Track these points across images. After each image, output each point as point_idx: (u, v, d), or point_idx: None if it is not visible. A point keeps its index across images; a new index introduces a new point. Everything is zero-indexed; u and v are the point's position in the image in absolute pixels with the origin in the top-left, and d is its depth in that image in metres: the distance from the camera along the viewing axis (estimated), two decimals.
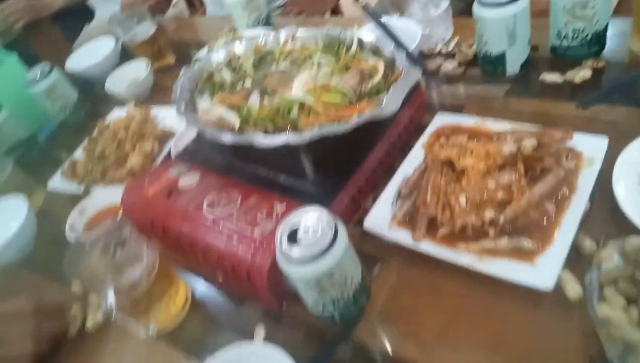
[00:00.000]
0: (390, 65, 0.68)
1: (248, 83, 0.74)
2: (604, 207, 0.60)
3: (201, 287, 0.72)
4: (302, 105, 0.65)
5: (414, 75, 0.63)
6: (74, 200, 0.91)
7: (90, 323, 0.71)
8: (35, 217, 0.90)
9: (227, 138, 0.64)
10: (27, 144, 1.07)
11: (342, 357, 0.58)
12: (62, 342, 0.70)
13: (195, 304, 0.70)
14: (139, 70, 1.15)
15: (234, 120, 0.69)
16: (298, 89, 0.67)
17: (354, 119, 0.59)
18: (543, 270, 0.54)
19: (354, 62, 0.70)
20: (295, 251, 0.51)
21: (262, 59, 0.79)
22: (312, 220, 0.52)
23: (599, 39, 0.75)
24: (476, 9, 0.75)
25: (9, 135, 1.03)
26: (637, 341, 0.44)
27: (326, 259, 0.50)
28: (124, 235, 0.64)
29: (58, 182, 0.98)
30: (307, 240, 0.51)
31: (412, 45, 0.81)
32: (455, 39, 0.93)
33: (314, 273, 0.50)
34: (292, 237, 0.52)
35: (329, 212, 0.53)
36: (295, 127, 0.64)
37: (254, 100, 0.70)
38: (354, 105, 0.64)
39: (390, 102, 0.60)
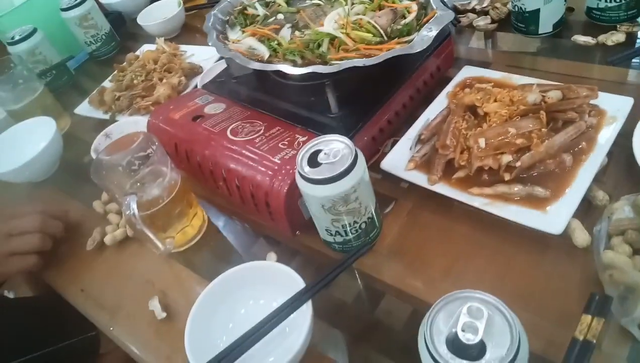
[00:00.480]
0: (423, 7, 0.68)
1: (280, 17, 0.75)
2: (621, 165, 0.60)
3: (218, 216, 0.75)
4: (332, 40, 0.66)
5: (447, 17, 0.63)
6: (99, 127, 0.93)
7: (108, 239, 0.74)
8: (62, 139, 0.93)
9: (256, 66, 0.65)
10: (57, 70, 1.09)
11: (349, 284, 0.60)
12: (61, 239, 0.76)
13: (211, 231, 0.73)
14: (170, 7, 1.16)
15: (264, 51, 0.70)
16: (330, 23, 0.68)
17: (383, 54, 0.60)
18: (553, 216, 0.55)
19: (388, 2, 0.70)
20: (315, 172, 0.52)
21: None
22: (334, 146, 0.54)
23: (638, 1, 0.74)
24: None
25: (43, 57, 1.05)
26: (637, 282, 0.45)
27: (344, 182, 0.51)
28: (149, 152, 0.66)
29: (85, 109, 1.01)
30: (327, 162, 0.52)
31: None
32: None
33: (331, 194, 0.52)
34: (313, 159, 0.54)
35: (350, 140, 0.54)
36: (323, 61, 0.65)
37: (285, 32, 0.71)
38: (384, 43, 0.64)
39: (420, 41, 0.60)
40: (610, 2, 0.74)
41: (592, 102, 0.63)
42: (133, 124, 0.89)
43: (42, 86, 0.97)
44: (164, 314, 0.63)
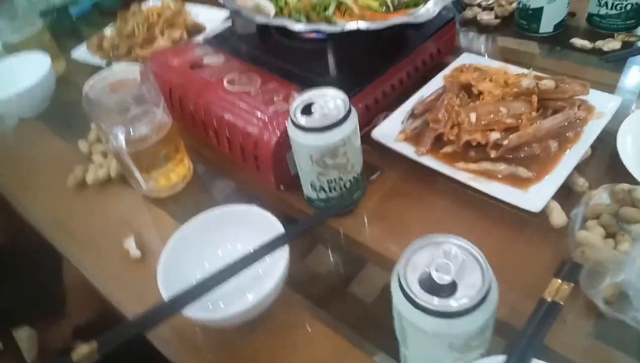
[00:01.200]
0: None
1: None
2: (603, 159, 0.62)
3: (203, 168, 0.74)
4: (339, 5, 0.67)
5: None
6: (94, 73, 0.92)
7: (90, 177, 0.74)
8: (55, 79, 0.92)
9: (261, 20, 0.66)
10: (59, 14, 1.08)
11: (329, 239, 0.61)
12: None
13: (195, 182, 0.73)
14: None
15: (270, 8, 0.70)
16: None
17: (387, 20, 0.61)
18: (534, 195, 0.56)
19: None
20: (307, 121, 0.53)
21: None
22: (328, 97, 0.55)
23: (637, 12, 0.76)
24: None
25: None
26: (607, 257, 0.46)
27: (334, 132, 0.52)
28: (142, 91, 0.66)
29: (82, 53, 1.00)
30: (320, 112, 0.53)
31: None
32: None
33: (321, 144, 0.52)
34: (307, 109, 0.54)
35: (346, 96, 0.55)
36: (328, 24, 0.66)
37: None
38: (390, 12, 0.65)
39: (425, 13, 0.61)
40: (611, 9, 0.77)
41: (582, 97, 0.65)
42: (129, 71, 0.88)
43: (42, 24, 0.96)
44: (138, 252, 0.62)
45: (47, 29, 1.01)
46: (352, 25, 0.61)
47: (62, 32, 1.10)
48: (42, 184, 0.76)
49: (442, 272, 0.37)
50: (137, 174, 0.63)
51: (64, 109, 0.92)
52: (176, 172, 0.70)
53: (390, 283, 0.39)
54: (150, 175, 0.68)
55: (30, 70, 0.89)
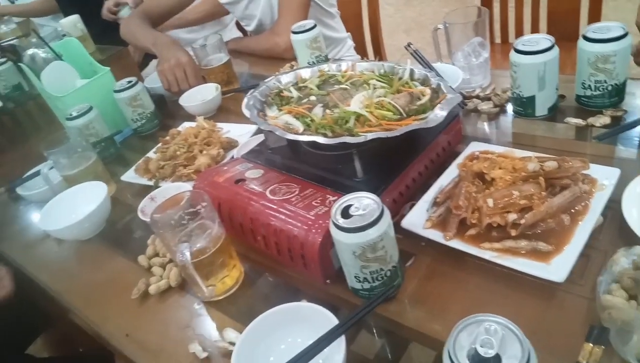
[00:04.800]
0: (435, 91, 0.81)
1: (312, 98, 0.88)
2: (614, 224, 0.69)
3: (253, 269, 0.82)
4: (358, 117, 0.78)
5: (455, 99, 0.75)
6: (143, 192, 1.04)
7: (152, 289, 0.82)
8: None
9: (294, 137, 0.77)
10: (106, 142, 1.23)
11: (374, 325, 0.67)
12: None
13: (247, 283, 0.80)
14: (209, 91, 1.32)
15: (299, 125, 0.82)
16: (356, 104, 0.80)
17: (402, 128, 0.71)
18: (556, 266, 0.62)
19: (405, 87, 0.83)
20: (348, 222, 0.61)
21: (325, 81, 0.94)
22: (363, 201, 0.64)
23: (619, 91, 0.86)
24: (512, 54, 0.88)
25: (95, 131, 1.19)
26: (632, 317, 0.52)
27: (372, 231, 0.60)
28: (198, 208, 0.75)
29: (131, 176, 1.12)
30: (358, 214, 0.62)
31: (454, 85, 0.94)
32: (492, 86, 1.05)
33: (361, 242, 0.61)
34: (345, 212, 0.63)
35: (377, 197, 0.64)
36: (351, 134, 0.76)
37: (317, 111, 0.83)
38: (403, 119, 0.76)
39: (434, 118, 0.72)
40: (595, 91, 0.87)
41: (584, 172, 0.73)
42: (175, 189, 0.99)
43: (95, 155, 1.09)
44: (205, 354, 0.69)
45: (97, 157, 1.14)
46: (373, 135, 0.71)
47: (109, 158, 1.23)
48: (109, 299, 0.85)
49: (486, 347, 0.43)
50: (200, 282, 0.71)
51: (119, 228, 1.02)
52: (230, 276, 0.78)
53: (435, 361, 0.45)
54: (209, 282, 0.76)
55: (89, 198, 1.00)
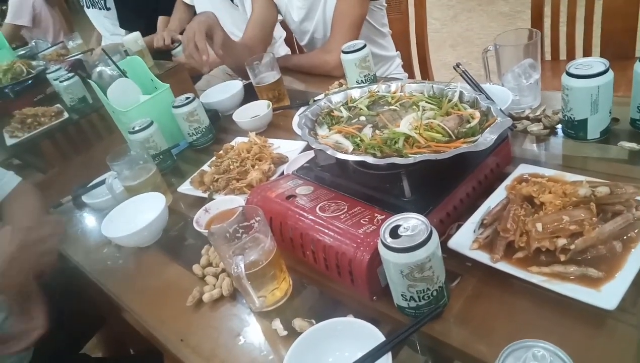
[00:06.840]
0: (485, 114, 0.82)
1: (362, 118, 0.91)
2: None
3: (301, 282, 0.85)
4: (407, 138, 0.80)
5: (505, 123, 0.76)
6: (197, 203, 1.10)
7: (206, 297, 0.86)
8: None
9: (345, 156, 0.80)
10: (164, 155, 1.30)
11: (418, 342, 0.68)
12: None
13: (295, 295, 0.83)
14: (260, 107, 1.37)
15: (348, 145, 0.85)
16: (405, 125, 0.83)
17: (452, 150, 0.73)
18: (607, 293, 0.62)
19: (454, 109, 0.85)
20: (396, 242, 0.63)
21: (374, 101, 0.96)
22: (412, 222, 0.66)
23: None
24: (564, 78, 0.88)
25: (154, 144, 1.26)
26: None
27: (421, 251, 0.62)
28: (252, 222, 0.80)
29: (186, 188, 1.18)
30: (407, 234, 0.64)
31: (503, 106, 0.94)
32: (543, 107, 1.05)
33: (410, 262, 0.63)
34: (394, 232, 0.65)
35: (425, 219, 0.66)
36: (399, 155, 0.79)
37: (367, 131, 0.86)
38: (451, 142, 0.77)
39: (483, 142, 0.73)
40: None
41: (638, 198, 0.72)
42: (229, 201, 1.04)
43: (155, 167, 1.16)
44: None
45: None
46: (422, 157, 0.73)
47: (166, 169, 1.31)
48: (165, 304, 0.90)
49: None
50: (252, 293, 0.75)
51: (175, 237, 1.08)
52: (280, 289, 0.82)
53: None
54: (260, 293, 0.79)
55: (149, 208, 1.07)
